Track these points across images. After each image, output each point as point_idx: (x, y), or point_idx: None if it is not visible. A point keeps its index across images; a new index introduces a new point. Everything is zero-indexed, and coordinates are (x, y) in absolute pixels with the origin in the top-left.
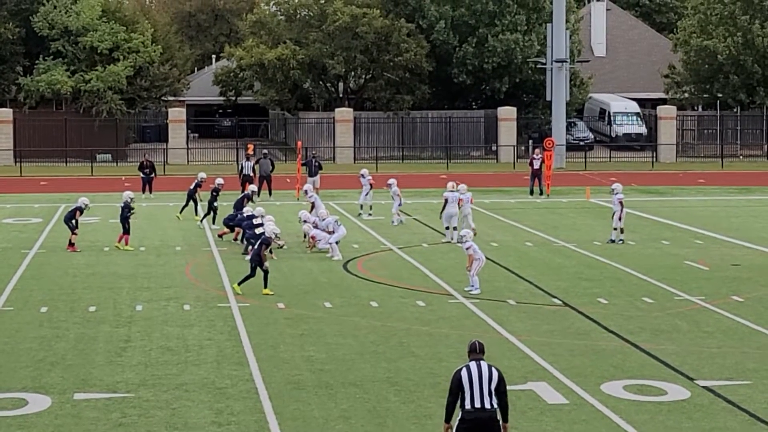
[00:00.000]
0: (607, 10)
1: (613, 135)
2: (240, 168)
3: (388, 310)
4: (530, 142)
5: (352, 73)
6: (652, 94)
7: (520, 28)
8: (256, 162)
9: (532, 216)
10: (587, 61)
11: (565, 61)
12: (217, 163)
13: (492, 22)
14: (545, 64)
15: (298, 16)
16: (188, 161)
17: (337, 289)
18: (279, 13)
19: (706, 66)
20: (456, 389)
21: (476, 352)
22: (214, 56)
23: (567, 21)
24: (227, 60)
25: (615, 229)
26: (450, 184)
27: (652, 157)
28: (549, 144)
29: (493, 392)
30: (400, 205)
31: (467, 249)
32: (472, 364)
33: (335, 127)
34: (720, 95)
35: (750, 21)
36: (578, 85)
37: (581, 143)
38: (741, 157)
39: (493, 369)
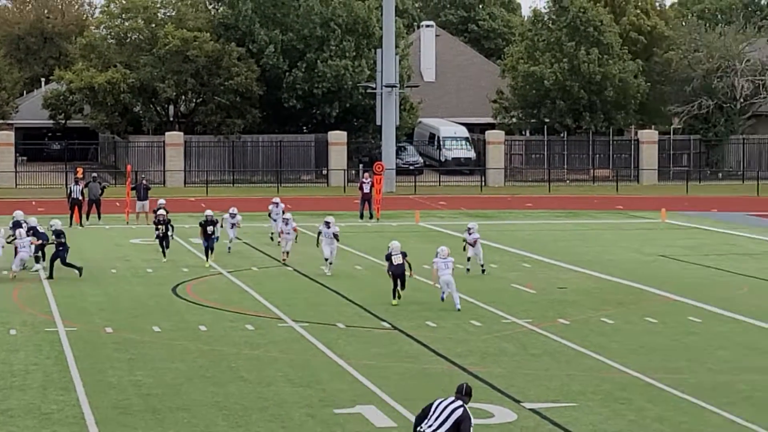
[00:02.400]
0: (437, 35)
1: (443, 159)
2: (69, 191)
3: (217, 334)
4: (360, 166)
5: (183, 96)
6: (481, 118)
7: (349, 54)
8: (86, 185)
9: (363, 240)
10: (417, 86)
11: (395, 86)
12: (45, 187)
13: (321, 47)
14: (375, 88)
15: (129, 39)
16: (16, 185)
17: (166, 313)
18: (109, 36)
19: (534, 91)
20: (422, 412)
21: (458, 392)
22: (43, 79)
23: (396, 46)
24: (57, 83)
25: (469, 259)
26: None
27: (481, 181)
28: (379, 168)
29: (445, 426)
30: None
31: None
32: (450, 398)
33: (165, 150)
34: (547, 120)
35: (576, 47)
36: (408, 110)
37: (411, 167)
38: (568, 181)
39: (460, 409)
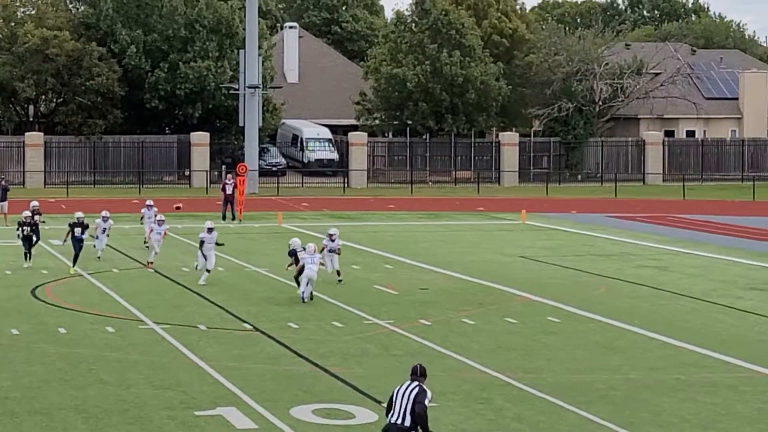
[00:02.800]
0: (300, 37)
1: (306, 161)
2: None
3: (77, 337)
4: (223, 167)
5: (43, 96)
6: (344, 120)
7: (212, 55)
8: None
9: (225, 241)
10: (280, 87)
11: (258, 87)
12: None
13: (184, 48)
14: (238, 89)
15: None
16: None
17: (25, 315)
18: None
19: (396, 93)
20: (388, 404)
21: (413, 374)
22: None
23: (260, 47)
24: None
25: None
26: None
27: (344, 182)
28: (242, 169)
29: (408, 411)
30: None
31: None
32: (406, 383)
33: (25, 151)
34: (410, 122)
35: (438, 50)
36: (271, 111)
37: (274, 169)
38: (430, 183)
39: (416, 388)
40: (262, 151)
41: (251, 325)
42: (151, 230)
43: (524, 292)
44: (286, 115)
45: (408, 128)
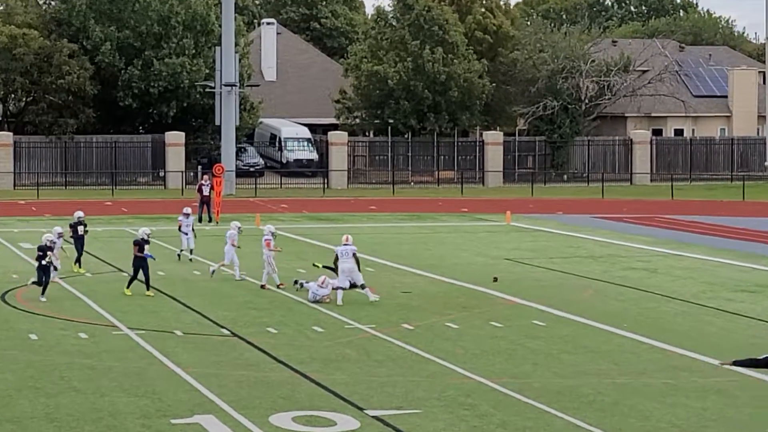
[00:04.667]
0: (278, 33)
1: (284, 161)
2: None
3: (49, 343)
4: (199, 167)
5: (12, 95)
6: (324, 119)
7: (188, 52)
8: None
9: (201, 244)
10: (257, 86)
11: (235, 85)
12: None
13: (158, 45)
14: (214, 88)
15: None
16: None
17: None
18: None
19: (377, 91)
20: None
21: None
22: None
23: (236, 44)
24: None
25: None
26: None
27: (324, 183)
28: (218, 170)
29: None
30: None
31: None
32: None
33: None
34: (391, 121)
35: (420, 46)
36: (248, 110)
37: (251, 169)
38: (412, 183)
39: None
40: (239, 151)
41: (229, 330)
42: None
43: (509, 295)
44: (263, 113)
45: (389, 127)
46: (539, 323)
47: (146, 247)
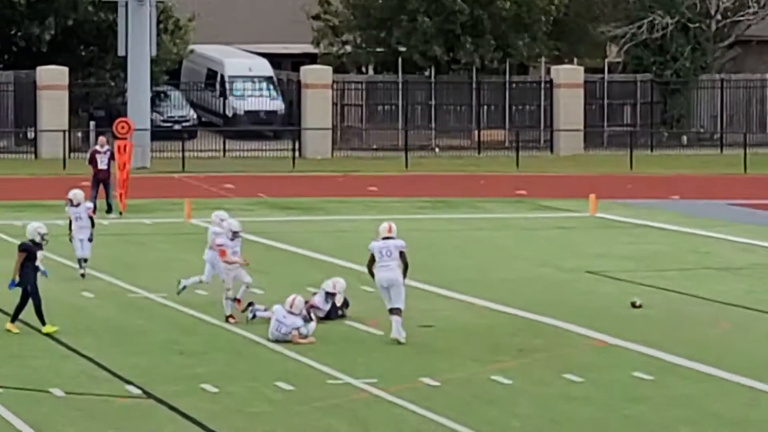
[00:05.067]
0: None
1: (231, 114)
2: None
3: None
4: (92, 124)
5: None
6: (294, 46)
7: None
8: None
9: (97, 247)
10: None
11: None
12: None
13: None
14: None
15: None
16: None
17: None
18: None
19: (380, 1)
20: None
21: None
22: None
23: None
24: None
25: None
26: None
27: (294, 150)
28: (123, 129)
29: None
30: None
31: None
32: None
33: None
34: (403, 49)
35: None
36: (172, 32)
37: (177, 127)
38: (437, 149)
39: None
40: (158, 99)
41: (139, 387)
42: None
43: (594, 330)
44: (197, 38)
45: (400, 59)
46: (643, 376)
47: (39, 255)
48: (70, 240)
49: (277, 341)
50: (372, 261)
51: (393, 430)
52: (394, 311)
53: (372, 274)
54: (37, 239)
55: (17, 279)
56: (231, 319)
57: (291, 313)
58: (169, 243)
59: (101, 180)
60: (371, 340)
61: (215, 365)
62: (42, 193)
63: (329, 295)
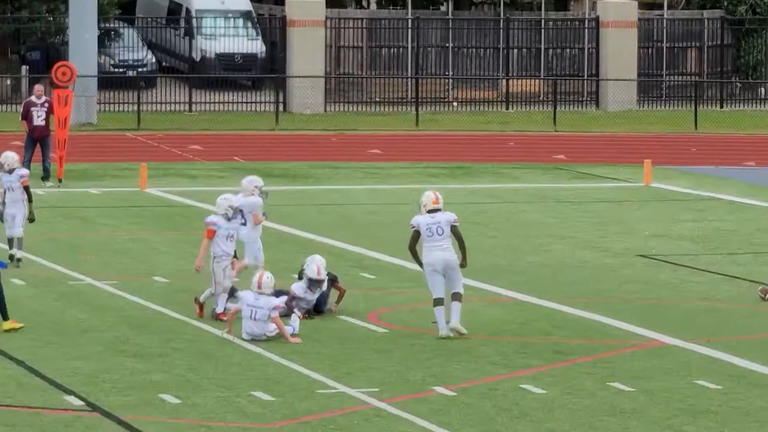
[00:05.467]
0: None
1: (198, 57)
2: None
3: None
4: (24, 69)
5: None
6: None
7: None
8: None
9: (34, 225)
10: None
11: None
12: None
13: None
14: None
15: None
16: None
17: None
18: None
19: None
20: None
21: None
22: None
23: None
24: None
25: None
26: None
27: (277, 102)
28: (64, 75)
29: None
30: None
31: None
32: None
33: None
34: None
35: None
36: None
37: (131, 73)
38: (455, 103)
39: None
40: (107, 38)
41: (81, 398)
42: None
43: (648, 329)
44: None
45: None
46: (708, 385)
47: None
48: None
49: (254, 340)
50: (415, 240)
51: None
52: (455, 296)
53: (415, 257)
54: None
55: None
56: (222, 317)
57: (262, 294)
58: (119, 218)
59: (37, 139)
60: (371, 339)
61: (176, 370)
62: None
63: (314, 283)
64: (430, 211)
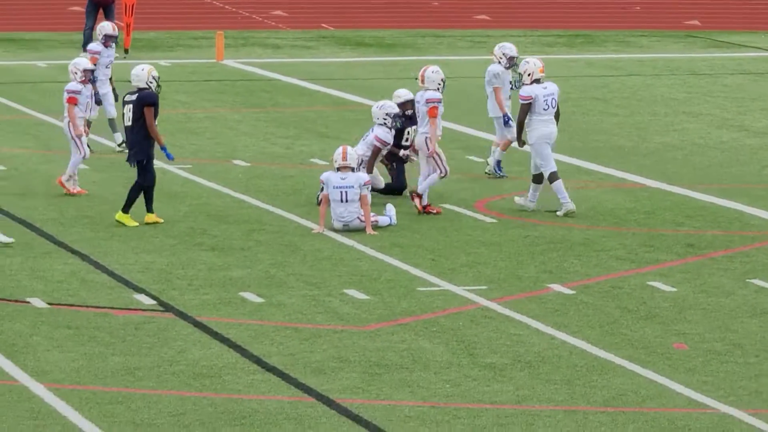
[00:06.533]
0: None
1: None
2: None
3: None
4: None
5: None
6: None
7: None
8: None
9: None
10: None
11: None
12: None
13: None
14: None
15: None
16: None
17: None
18: None
19: None
20: None
21: None
22: None
23: None
24: None
25: None
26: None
27: None
28: None
29: None
30: None
31: None
32: None
33: None
34: None
35: None
36: None
37: None
38: None
39: None
40: None
41: (153, 297)
42: None
43: None
44: None
45: None
46: None
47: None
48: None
49: (346, 228)
50: (525, 113)
51: (508, 358)
52: (547, 177)
53: (521, 129)
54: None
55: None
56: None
57: (347, 167)
58: (193, 93)
59: (99, 3)
60: (479, 230)
61: (259, 266)
62: (14, 23)
63: (395, 118)
64: (535, 81)
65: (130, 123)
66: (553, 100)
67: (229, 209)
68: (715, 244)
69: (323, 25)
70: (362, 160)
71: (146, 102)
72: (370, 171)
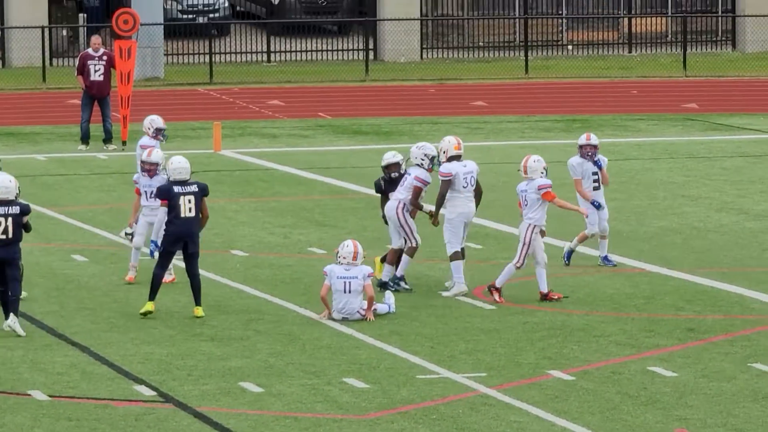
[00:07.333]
0: None
1: (276, 0)
2: None
3: None
4: (82, 18)
5: None
6: None
7: None
8: None
9: (91, 191)
10: None
11: None
12: None
13: None
14: None
15: None
16: None
17: None
18: None
19: None
20: None
21: None
22: None
23: None
24: None
25: None
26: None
27: (366, 49)
28: (126, 24)
29: None
30: None
31: None
32: None
33: None
34: None
35: None
36: None
37: (202, 20)
38: (570, 46)
39: None
40: None
41: (153, 388)
42: None
43: None
44: None
45: None
46: None
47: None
48: None
49: (345, 319)
50: (446, 188)
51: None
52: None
53: (440, 205)
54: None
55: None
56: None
57: (353, 264)
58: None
59: (95, 96)
60: (477, 317)
61: (258, 355)
62: (13, 117)
63: (432, 160)
64: (452, 158)
65: (192, 214)
66: (473, 178)
67: (227, 299)
68: (715, 328)
69: (320, 113)
70: (404, 204)
71: (206, 192)
72: (419, 208)
